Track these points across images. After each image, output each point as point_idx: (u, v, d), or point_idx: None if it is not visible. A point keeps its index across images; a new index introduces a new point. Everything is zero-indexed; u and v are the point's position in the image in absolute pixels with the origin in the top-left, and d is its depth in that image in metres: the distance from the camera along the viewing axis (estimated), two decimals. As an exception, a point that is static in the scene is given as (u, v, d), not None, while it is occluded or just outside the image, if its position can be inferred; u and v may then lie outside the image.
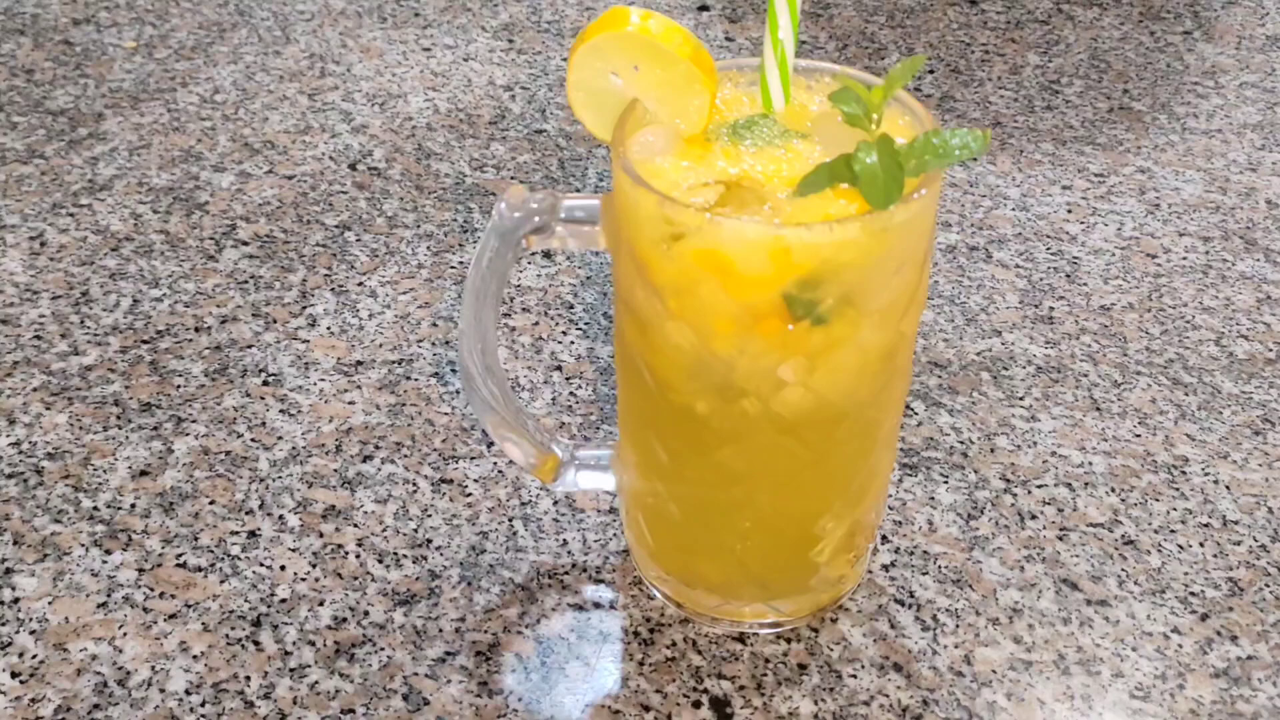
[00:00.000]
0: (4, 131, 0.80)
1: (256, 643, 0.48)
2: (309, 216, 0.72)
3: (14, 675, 0.47)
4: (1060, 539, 0.53)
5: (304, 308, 0.65)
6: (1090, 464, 0.57)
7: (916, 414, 0.59)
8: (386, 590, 0.50)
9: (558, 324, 0.65)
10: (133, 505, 0.54)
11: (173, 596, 0.50)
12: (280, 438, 0.58)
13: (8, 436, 0.57)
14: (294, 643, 0.48)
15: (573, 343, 0.63)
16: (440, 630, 0.49)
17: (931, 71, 0.88)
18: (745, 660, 0.48)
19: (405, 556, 0.52)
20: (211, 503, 0.54)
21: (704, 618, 0.49)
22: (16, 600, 0.50)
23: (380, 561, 0.52)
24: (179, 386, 0.60)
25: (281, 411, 0.59)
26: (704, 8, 0.96)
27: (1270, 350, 0.64)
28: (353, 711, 0.46)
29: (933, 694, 0.47)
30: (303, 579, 0.51)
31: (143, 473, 0.56)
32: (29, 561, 0.52)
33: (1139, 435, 0.58)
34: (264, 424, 0.58)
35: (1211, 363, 0.63)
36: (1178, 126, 0.82)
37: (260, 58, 0.89)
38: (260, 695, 0.46)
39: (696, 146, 0.42)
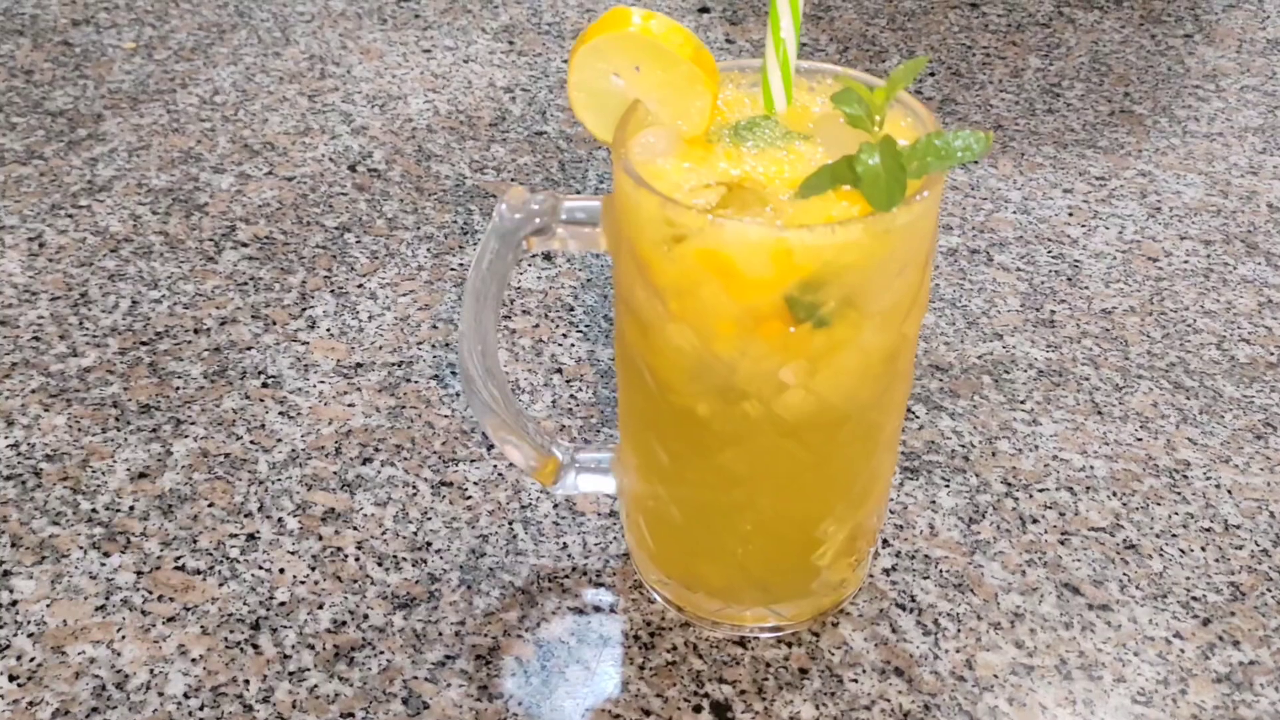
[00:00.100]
0: (3, 132, 0.79)
1: (255, 646, 0.48)
2: (309, 218, 0.72)
3: (12, 678, 0.47)
4: (1062, 543, 0.53)
5: (304, 309, 0.65)
6: (1092, 468, 0.57)
7: (918, 417, 0.59)
8: (386, 593, 0.50)
9: (558, 326, 0.65)
10: (131, 507, 0.54)
11: (171, 599, 0.50)
12: (280, 440, 0.57)
13: (6, 438, 0.57)
14: (293, 646, 0.48)
15: (573, 345, 0.63)
16: (440, 634, 0.49)
17: (932, 74, 0.88)
18: (746, 664, 0.48)
19: (405, 560, 0.52)
20: (210, 505, 0.54)
21: (705, 621, 0.49)
22: (14, 603, 0.50)
23: (380, 565, 0.52)
24: (178, 388, 0.60)
25: (281, 414, 0.59)
26: (705, 9, 0.96)
27: (1271, 354, 0.63)
28: (352, 715, 0.46)
29: (934, 699, 0.47)
30: (302, 582, 0.51)
31: (141, 475, 0.56)
32: (27, 564, 0.51)
33: (1140, 439, 0.58)
34: (263, 426, 0.58)
35: (1213, 366, 0.63)
36: (1179, 130, 0.82)
37: (260, 59, 0.89)
38: (259, 699, 0.46)
39: (698, 148, 0.42)
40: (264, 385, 0.60)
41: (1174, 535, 0.53)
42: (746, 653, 0.48)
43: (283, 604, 0.50)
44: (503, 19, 0.94)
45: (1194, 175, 0.77)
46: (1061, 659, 0.48)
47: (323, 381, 0.61)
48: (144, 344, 0.63)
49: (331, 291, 0.67)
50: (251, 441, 0.57)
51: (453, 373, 0.61)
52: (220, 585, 0.51)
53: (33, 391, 0.60)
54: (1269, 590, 0.51)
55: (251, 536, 0.53)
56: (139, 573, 0.51)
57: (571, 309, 0.66)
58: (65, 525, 0.53)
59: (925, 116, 0.42)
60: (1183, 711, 0.46)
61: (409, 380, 0.61)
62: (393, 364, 0.62)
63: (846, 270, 0.38)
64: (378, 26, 0.93)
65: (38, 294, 0.66)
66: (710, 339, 0.40)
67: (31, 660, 0.48)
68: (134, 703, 0.46)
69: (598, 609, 0.50)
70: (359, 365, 0.62)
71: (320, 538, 0.53)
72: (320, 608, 0.50)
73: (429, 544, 0.52)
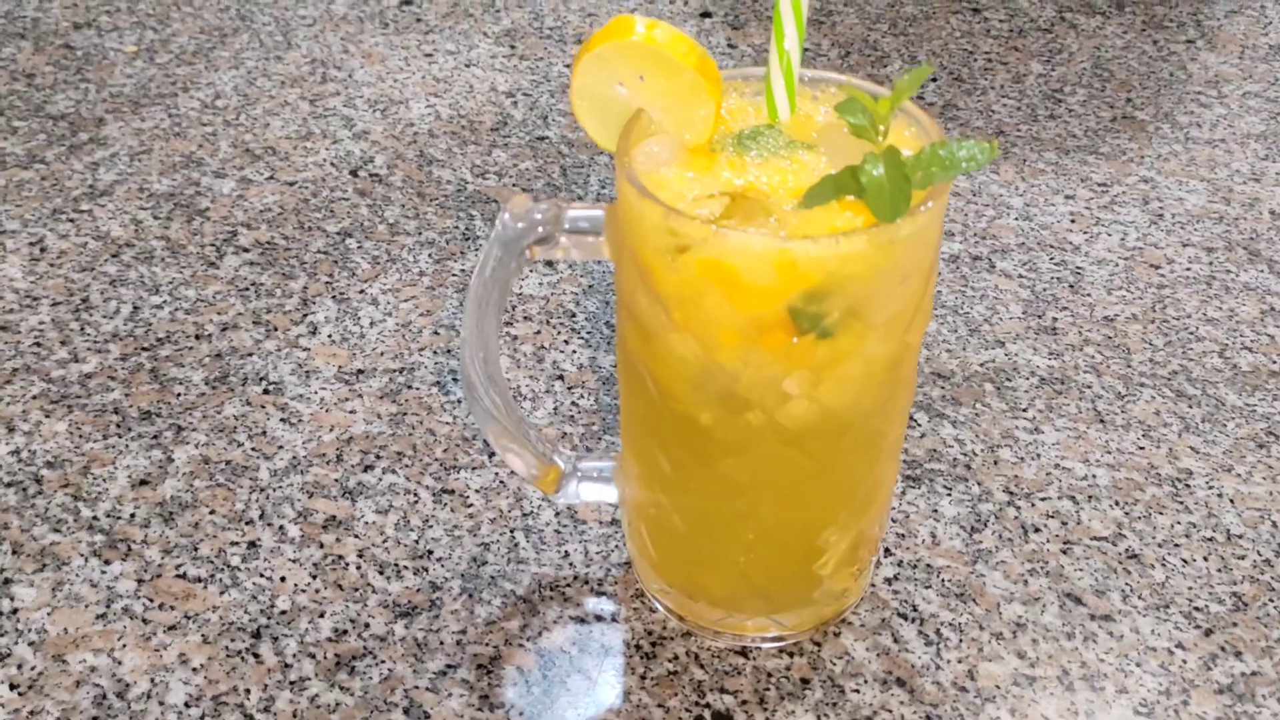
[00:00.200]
0: (4, 136, 0.79)
1: (256, 655, 0.48)
2: (310, 223, 0.72)
3: (13, 687, 0.47)
4: (1064, 552, 0.53)
5: (305, 315, 0.65)
6: (1094, 476, 0.57)
7: (919, 425, 0.59)
8: (387, 602, 0.50)
9: (560, 333, 0.64)
10: (132, 515, 0.54)
11: (172, 608, 0.50)
12: (281, 447, 0.57)
13: (7, 444, 0.57)
14: (294, 655, 0.48)
15: (575, 352, 0.63)
16: (441, 643, 0.49)
17: (934, 80, 0.88)
18: (748, 674, 0.48)
19: (406, 568, 0.52)
20: (211, 512, 0.54)
21: (706, 631, 0.49)
22: (15, 611, 0.50)
23: (381, 573, 0.51)
24: (179, 395, 0.60)
25: (282, 420, 0.59)
26: (707, 14, 0.96)
27: (1274, 362, 0.63)
28: (353, 724, 0.46)
29: (936, 709, 0.46)
30: (303, 590, 0.51)
31: (142, 482, 0.55)
32: (28, 571, 0.51)
33: (1143, 448, 0.58)
34: (264, 433, 0.58)
35: (1215, 375, 0.62)
36: (1181, 136, 0.82)
37: (262, 63, 0.88)
38: (260, 708, 0.46)
39: (701, 157, 0.42)
40: (265, 392, 0.60)
41: (1176, 545, 0.53)
42: (748, 662, 0.48)
43: (284, 612, 0.50)
44: (504, 23, 0.94)
45: (1196, 182, 0.77)
46: (1064, 669, 0.48)
47: (324, 388, 0.61)
48: (145, 350, 0.63)
49: (333, 297, 0.67)
50: (253, 449, 0.57)
51: (454, 379, 0.61)
52: (221, 593, 0.50)
53: (34, 398, 0.60)
54: (1271, 601, 0.51)
55: (252, 544, 0.53)
56: (140, 580, 0.51)
57: (573, 315, 0.66)
58: (66, 533, 0.53)
59: (929, 125, 0.42)
60: (1185, 722, 0.46)
61: (410, 387, 0.61)
62: (394, 370, 0.62)
63: (850, 281, 0.38)
64: (379, 30, 0.93)
65: (39, 299, 0.66)
66: (713, 348, 0.40)
67: (32, 669, 0.47)
68: (135, 712, 0.46)
69: (599, 618, 0.50)
70: (360, 372, 0.62)
71: (321, 545, 0.53)
72: (321, 616, 0.50)
73: (430, 552, 0.52)
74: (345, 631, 0.49)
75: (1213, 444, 0.58)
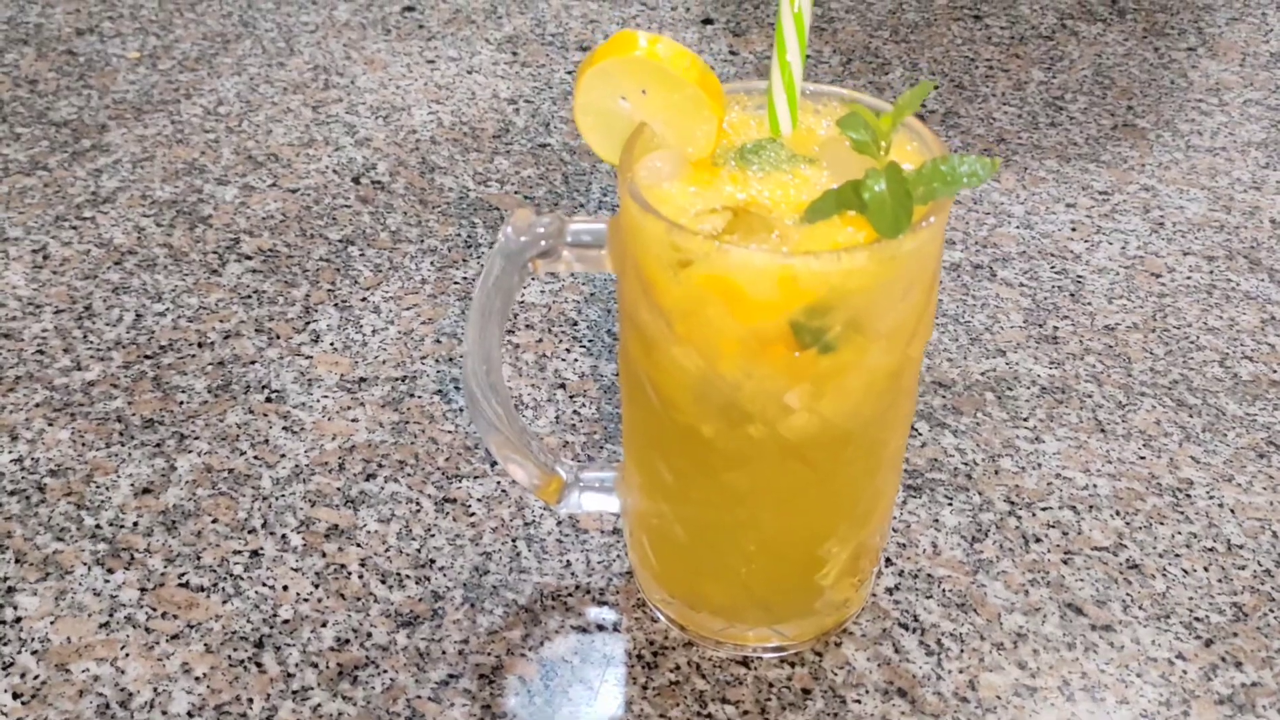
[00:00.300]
0: (7, 143, 0.80)
1: (259, 664, 0.48)
2: (312, 230, 0.72)
3: (15, 696, 0.47)
4: (1065, 562, 0.53)
5: (307, 323, 0.65)
6: (1095, 486, 0.57)
7: (920, 434, 0.59)
8: (389, 611, 0.50)
9: (561, 341, 0.65)
10: (135, 523, 0.54)
11: (175, 617, 0.50)
12: (283, 455, 0.57)
13: (10, 453, 0.57)
14: (296, 664, 0.48)
15: (576, 360, 0.63)
16: (443, 652, 0.49)
17: (935, 87, 0.88)
18: (749, 684, 0.48)
19: (408, 577, 0.52)
20: (214, 521, 0.54)
21: (708, 641, 0.49)
22: (19, 620, 0.50)
23: (383, 582, 0.52)
24: (182, 403, 0.60)
25: (284, 429, 0.59)
26: (708, 21, 0.96)
27: (1275, 372, 0.63)
28: (355, 735, 0.46)
29: (937, 720, 0.47)
30: (305, 599, 0.51)
31: (145, 490, 0.56)
32: (31, 580, 0.51)
33: (1143, 457, 0.58)
34: (267, 441, 0.58)
35: (1216, 384, 0.63)
36: (1182, 144, 0.82)
37: (264, 69, 0.89)
38: (263, 718, 0.46)
39: (704, 171, 0.42)
40: (268, 400, 0.61)
41: (1177, 555, 0.53)
42: (749, 672, 0.48)
43: (286, 621, 0.50)
44: (506, 29, 0.95)
45: (1197, 190, 0.78)
46: (1064, 680, 0.48)
47: (326, 396, 0.61)
48: (148, 358, 0.63)
49: (335, 305, 0.67)
50: (255, 457, 0.57)
51: (456, 388, 0.61)
52: (224, 602, 0.51)
53: (36, 405, 0.60)
54: (1271, 611, 0.51)
55: (255, 553, 0.53)
56: (143, 589, 0.51)
57: (575, 324, 0.66)
58: (69, 541, 0.53)
59: (930, 140, 0.42)
60: (1185, 734, 0.46)
61: (412, 395, 0.61)
62: (396, 379, 0.62)
63: (852, 296, 0.38)
64: (382, 37, 0.93)
65: (41, 307, 0.66)
66: (715, 361, 0.41)
67: (35, 678, 0.48)
68: (138, 721, 0.46)
69: (601, 628, 0.50)
70: (362, 380, 0.62)
71: (324, 554, 0.53)
72: (324, 625, 0.50)
73: (432, 561, 0.53)
74: (348, 641, 0.49)
75: (1213, 454, 0.59)
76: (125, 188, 0.76)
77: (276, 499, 0.55)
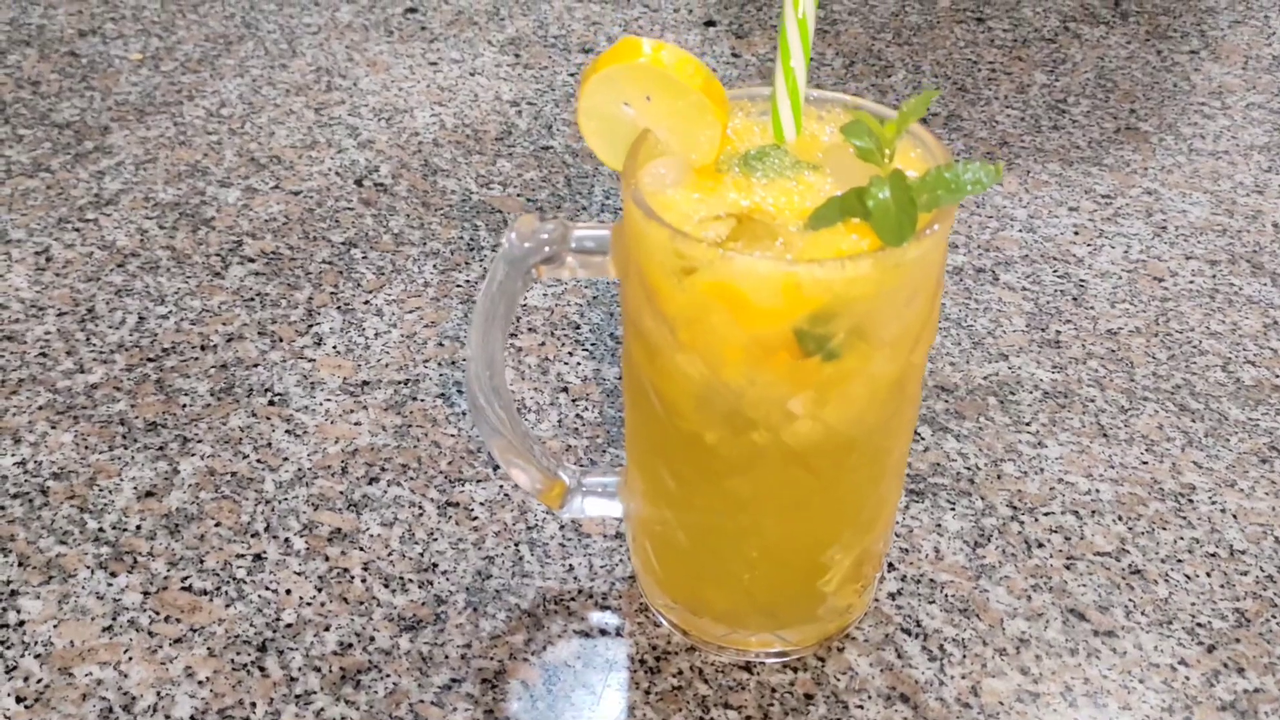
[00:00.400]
0: (10, 144, 0.80)
1: (262, 668, 0.48)
2: (315, 233, 0.72)
3: (19, 700, 0.47)
4: (1067, 568, 0.53)
5: (310, 326, 0.65)
6: (1097, 491, 0.57)
7: (923, 439, 0.59)
8: (392, 615, 0.50)
9: (564, 344, 0.65)
10: (138, 527, 0.54)
11: (178, 620, 0.50)
12: (286, 459, 0.58)
13: (13, 456, 0.57)
14: (300, 669, 0.48)
15: (579, 364, 0.63)
16: (446, 657, 0.49)
17: (939, 94, 0.88)
18: (752, 689, 0.48)
19: (411, 581, 0.52)
20: (217, 525, 0.54)
21: (710, 646, 0.49)
22: (22, 623, 0.50)
23: (386, 586, 0.52)
24: (185, 406, 0.60)
25: (287, 432, 0.59)
26: (710, 23, 0.96)
27: (1277, 376, 0.63)
28: (358, 739, 0.46)
29: (940, 725, 0.47)
30: (308, 603, 0.51)
31: (148, 493, 0.56)
32: (34, 584, 0.51)
33: (1146, 462, 0.58)
34: (270, 445, 0.58)
35: (1218, 389, 0.63)
36: (1184, 148, 0.82)
37: (267, 71, 0.89)
38: (266, 722, 0.46)
39: (707, 178, 0.42)
40: (270, 403, 0.61)
41: (1179, 560, 0.53)
42: (752, 678, 0.48)
43: (289, 625, 0.50)
44: (509, 31, 0.95)
45: (1199, 194, 0.78)
46: (1067, 686, 0.48)
47: (329, 399, 0.61)
48: (151, 360, 0.63)
49: (338, 308, 0.67)
50: (258, 460, 0.57)
51: (459, 391, 0.62)
52: (227, 606, 0.51)
53: (39, 408, 0.60)
54: (1274, 617, 0.51)
55: (258, 557, 0.53)
56: (146, 593, 0.51)
57: (578, 327, 0.66)
58: (72, 544, 0.53)
59: (935, 147, 0.42)
60: (1188, 740, 0.46)
61: (415, 399, 0.61)
62: (399, 382, 0.62)
63: (856, 303, 0.38)
64: (384, 39, 0.93)
65: (44, 309, 0.66)
66: (719, 368, 0.41)
67: (39, 682, 0.48)
68: (141, 725, 0.46)
69: (603, 632, 0.50)
70: (365, 383, 0.62)
71: (327, 558, 0.53)
72: (327, 629, 0.50)
73: (435, 565, 0.53)
74: (350, 645, 0.49)
75: (1216, 459, 0.59)
76: (128, 190, 0.76)
77: (279, 502, 0.55)
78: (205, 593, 0.51)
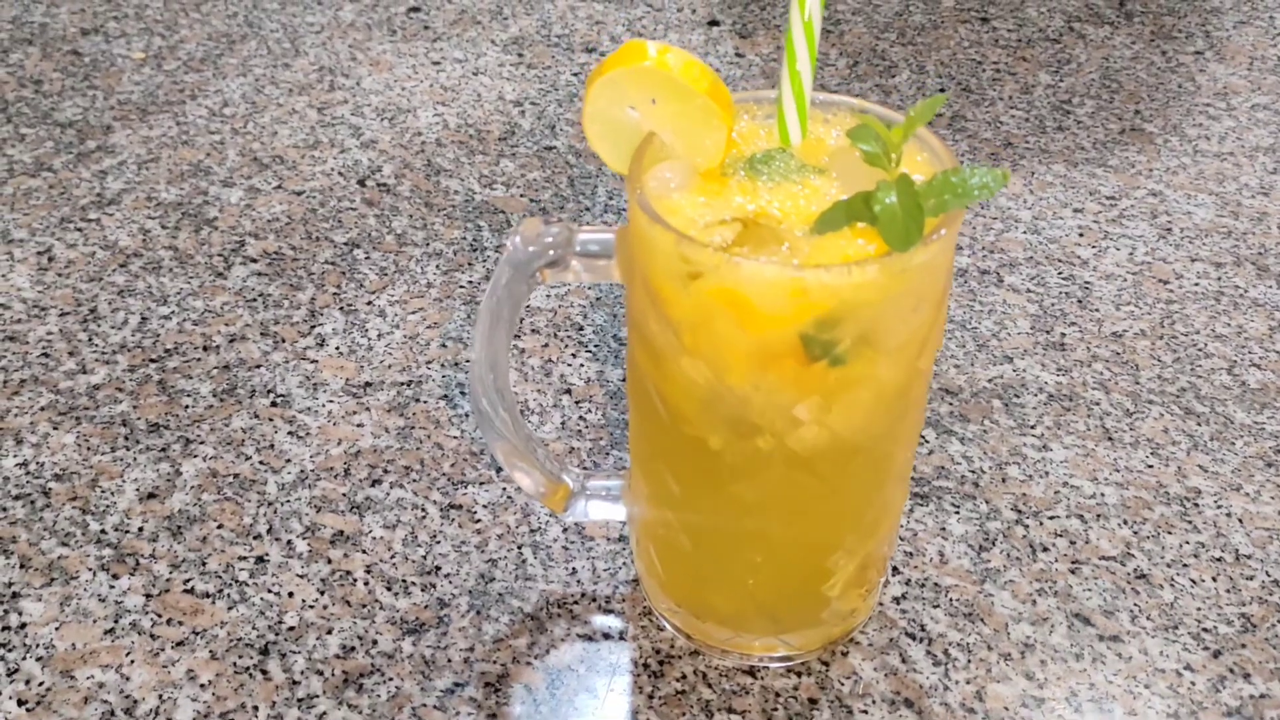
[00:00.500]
0: (12, 144, 0.79)
1: (264, 672, 0.48)
2: (318, 233, 0.72)
3: (20, 703, 0.47)
4: (1072, 572, 0.53)
5: (313, 327, 0.65)
6: (1102, 495, 0.56)
7: (927, 442, 0.59)
8: (395, 619, 0.50)
9: (567, 346, 0.64)
10: (140, 529, 0.54)
11: (180, 623, 0.50)
12: (288, 460, 0.57)
13: (15, 457, 0.57)
14: (302, 672, 0.48)
15: (582, 365, 0.63)
16: (449, 660, 0.49)
17: (942, 90, 0.88)
18: (756, 694, 0.48)
19: (414, 584, 0.52)
20: (219, 527, 0.54)
21: (714, 650, 0.49)
22: (24, 625, 0.50)
23: (389, 589, 0.51)
24: (187, 407, 0.60)
25: (290, 433, 0.59)
26: (714, 23, 0.96)
27: (1283, 380, 0.63)
28: (361, 743, 0.46)
29: (944, 731, 0.46)
30: (311, 606, 0.51)
31: (150, 495, 0.56)
32: (36, 585, 0.51)
33: (1151, 466, 0.58)
34: (272, 446, 0.58)
35: (1224, 392, 0.62)
36: (1189, 149, 0.82)
37: (269, 70, 0.88)
38: (268, 726, 0.46)
39: (713, 181, 0.42)
40: (273, 404, 0.60)
41: (1185, 565, 0.53)
42: (756, 682, 0.48)
43: (292, 628, 0.50)
44: (512, 30, 0.94)
45: (1205, 195, 0.77)
46: (1072, 691, 0.48)
47: (332, 401, 0.61)
48: (153, 361, 0.63)
49: (340, 309, 0.67)
50: (260, 462, 0.57)
51: (462, 393, 0.61)
52: (229, 609, 0.51)
53: (42, 409, 0.60)
54: (1280, 622, 0.51)
55: (260, 559, 0.53)
56: (148, 595, 0.51)
57: (581, 328, 0.66)
58: (74, 546, 0.53)
59: (941, 151, 0.42)
60: (1193, 746, 0.46)
61: (418, 400, 0.61)
62: (402, 383, 0.62)
63: (862, 309, 0.38)
64: (387, 38, 0.93)
65: (47, 309, 0.66)
66: (724, 373, 0.40)
67: (40, 684, 0.47)
68: (143, 729, 0.46)
69: (607, 636, 0.50)
70: (368, 384, 0.62)
71: (329, 561, 0.53)
72: (329, 633, 0.50)
73: (438, 568, 0.52)
74: (353, 648, 0.49)
75: (1221, 462, 0.58)
76: (130, 189, 0.75)
77: (282, 504, 0.55)
78: (207, 595, 0.51)
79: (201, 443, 0.58)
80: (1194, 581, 0.53)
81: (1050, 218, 0.75)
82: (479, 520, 0.55)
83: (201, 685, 0.48)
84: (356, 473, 0.57)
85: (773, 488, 0.43)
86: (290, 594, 0.51)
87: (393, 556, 0.53)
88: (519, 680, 0.48)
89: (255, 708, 0.47)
